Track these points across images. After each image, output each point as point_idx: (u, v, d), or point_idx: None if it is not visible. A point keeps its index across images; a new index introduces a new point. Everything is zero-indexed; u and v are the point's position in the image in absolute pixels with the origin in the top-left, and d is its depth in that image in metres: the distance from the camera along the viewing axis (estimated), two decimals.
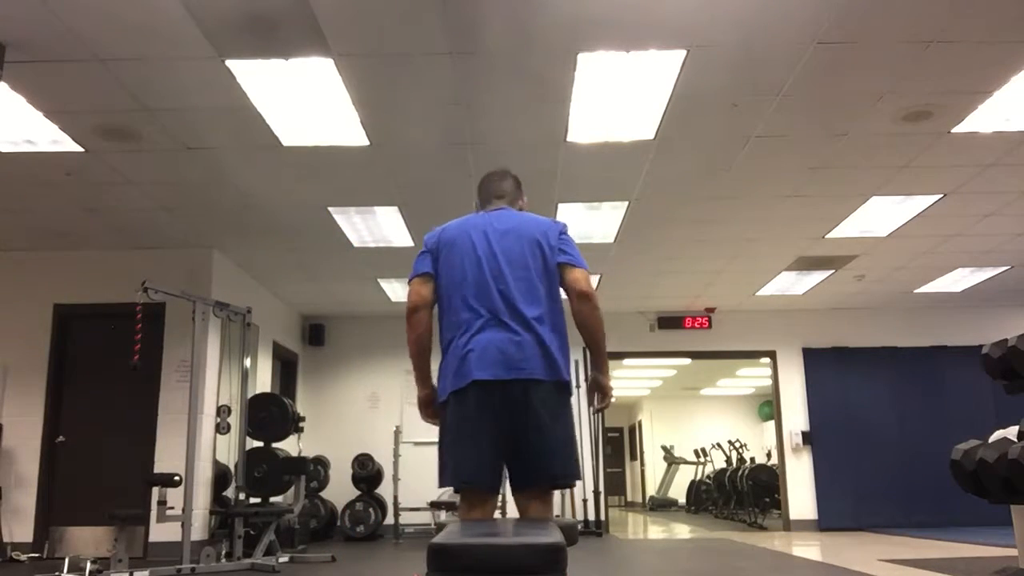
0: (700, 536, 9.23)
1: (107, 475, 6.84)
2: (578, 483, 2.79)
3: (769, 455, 13.19)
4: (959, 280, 8.76)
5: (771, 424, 12.97)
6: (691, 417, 19.38)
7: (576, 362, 9.84)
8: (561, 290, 2.58)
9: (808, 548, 7.41)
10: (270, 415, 7.01)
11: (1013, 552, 6.30)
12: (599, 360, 2.62)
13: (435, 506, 8.22)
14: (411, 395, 9.72)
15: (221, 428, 6.53)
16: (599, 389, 2.68)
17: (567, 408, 2.51)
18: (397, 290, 8.85)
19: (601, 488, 9.63)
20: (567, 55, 4.16)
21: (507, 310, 2.49)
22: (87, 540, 6.80)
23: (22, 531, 6.70)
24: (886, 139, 5.23)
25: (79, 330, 7.18)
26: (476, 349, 2.45)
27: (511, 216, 2.66)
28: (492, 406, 2.40)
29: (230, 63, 4.17)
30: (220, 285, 7.32)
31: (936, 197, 6.25)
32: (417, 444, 9.42)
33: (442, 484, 2.51)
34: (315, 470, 8.98)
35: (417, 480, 9.06)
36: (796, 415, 9.92)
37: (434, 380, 2.63)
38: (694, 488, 15.69)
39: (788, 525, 9.65)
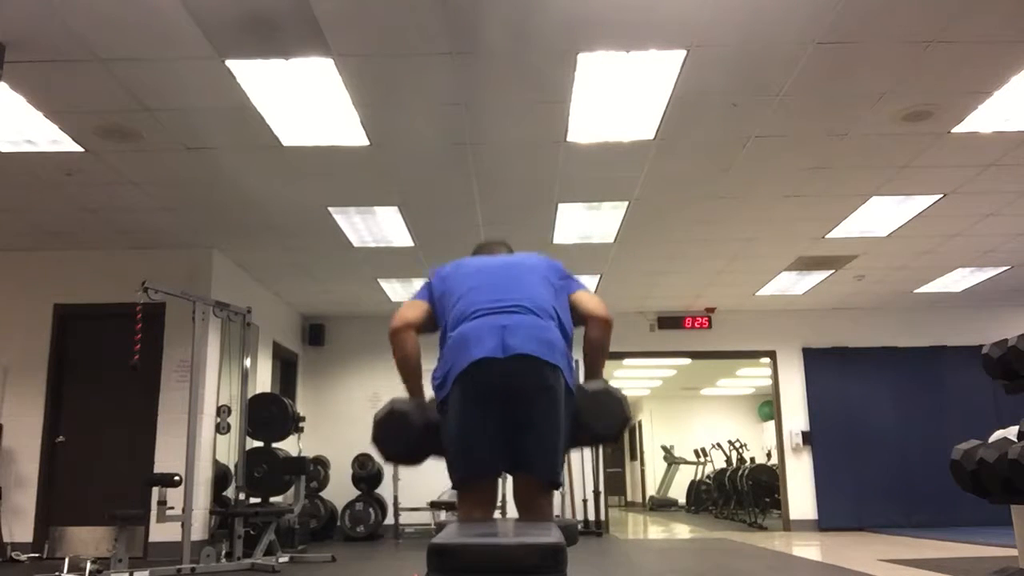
0: (700, 536, 9.23)
1: (107, 475, 6.84)
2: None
3: (769, 455, 13.18)
4: (959, 280, 8.75)
5: (771, 424, 12.97)
6: (691, 417, 19.36)
7: (577, 361, 9.84)
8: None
9: (808, 548, 7.41)
10: (270, 415, 7.01)
11: (1013, 552, 6.30)
12: (598, 371, 2.65)
13: (435, 506, 8.22)
14: None
15: (221, 428, 6.53)
16: None
17: (566, 408, 2.44)
18: (397, 290, 8.85)
19: (601, 488, 9.61)
20: (567, 55, 4.16)
21: (517, 300, 2.43)
22: (87, 540, 6.80)
23: (22, 531, 6.70)
24: (886, 139, 5.22)
25: (79, 330, 7.18)
26: (484, 328, 2.36)
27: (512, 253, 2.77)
28: (494, 387, 2.30)
29: (230, 63, 4.17)
30: (220, 285, 7.32)
31: (936, 197, 6.24)
32: None
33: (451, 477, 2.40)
34: (315, 470, 8.97)
35: (417, 480, 9.04)
36: (796, 415, 9.92)
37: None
38: (694, 488, 15.69)
39: (788, 525, 9.64)
